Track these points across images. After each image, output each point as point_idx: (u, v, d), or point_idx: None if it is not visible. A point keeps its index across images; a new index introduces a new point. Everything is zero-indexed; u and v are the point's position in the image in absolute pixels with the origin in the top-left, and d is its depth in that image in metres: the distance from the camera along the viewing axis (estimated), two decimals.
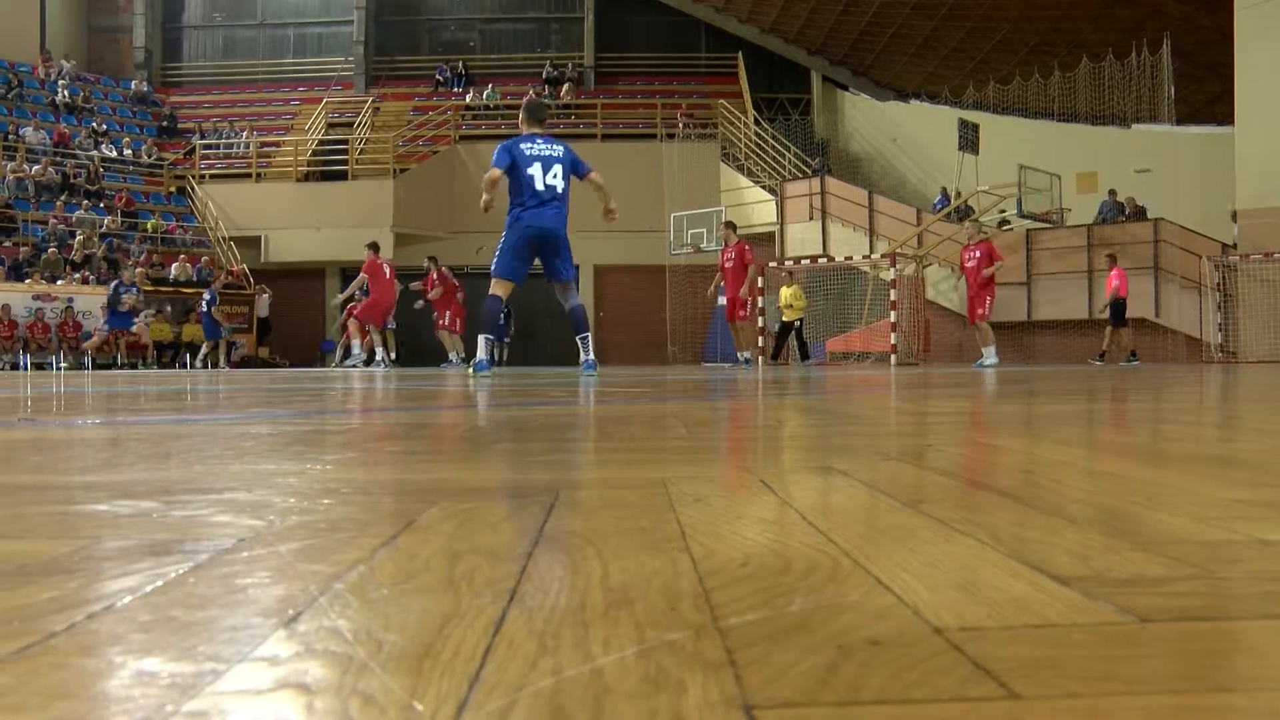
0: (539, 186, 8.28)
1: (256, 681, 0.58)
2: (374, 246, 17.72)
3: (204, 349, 21.77)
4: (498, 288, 8.54)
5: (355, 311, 17.66)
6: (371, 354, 17.95)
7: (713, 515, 1.16)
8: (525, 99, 9.66)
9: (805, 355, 19.32)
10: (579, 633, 0.66)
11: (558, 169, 8.36)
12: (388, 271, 17.64)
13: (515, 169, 8.30)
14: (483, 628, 0.68)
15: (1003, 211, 21.46)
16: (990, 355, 15.76)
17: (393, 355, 18.75)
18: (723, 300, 17.27)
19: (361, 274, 17.55)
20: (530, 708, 0.53)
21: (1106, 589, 0.78)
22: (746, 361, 16.70)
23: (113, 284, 20.42)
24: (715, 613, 0.71)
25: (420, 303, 19.52)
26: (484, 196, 8.44)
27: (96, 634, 0.68)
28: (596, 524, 1.09)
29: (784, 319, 19.02)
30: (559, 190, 8.38)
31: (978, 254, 15.97)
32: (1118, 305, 17.47)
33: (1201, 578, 0.83)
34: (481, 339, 8.52)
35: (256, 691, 0.56)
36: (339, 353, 19.35)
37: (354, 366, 17.06)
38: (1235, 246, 19.60)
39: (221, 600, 0.77)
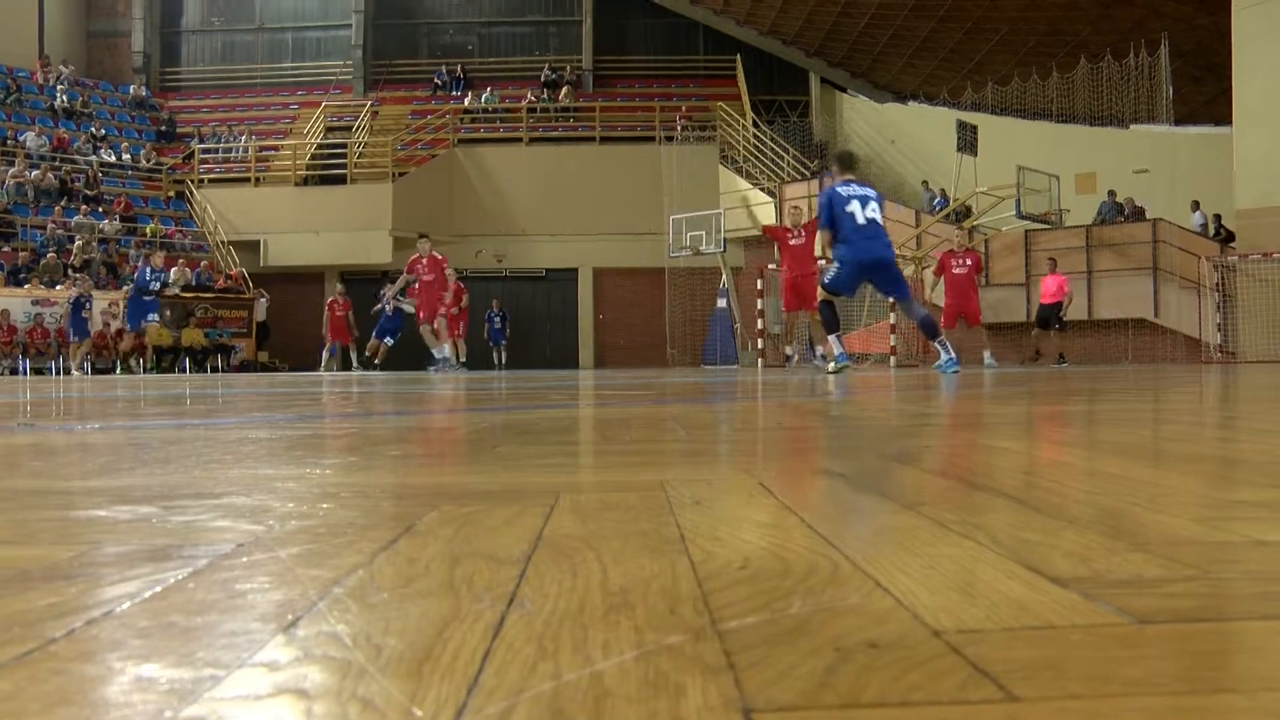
0: (860, 221, 9.24)
1: (255, 687, 0.58)
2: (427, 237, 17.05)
3: (76, 350, 20.27)
4: (822, 296, 9.92)
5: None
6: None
7: (712, 518, 1.16)
8: (836, 151, 11.44)
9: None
10: (578, 636, 0.66)
11: (874, 204, 9.39)
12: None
13: (836, 212, 9.32)
14: (482, 631, 0.68)
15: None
16: (990, 356, 15.83)
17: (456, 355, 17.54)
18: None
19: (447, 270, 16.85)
20: (530, 711, 0.53)
21: (1105, 590, 0.78)
22: (822, 358, 15.44)
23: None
24: (714, 616, 0.71)
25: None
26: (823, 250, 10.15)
27: (96, 640, 0.68)
28: (596, 527, 1.09)
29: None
30: (878, 221, 9.38)
31: (968, 262, 16.00)
32: (1056, 308, 17.73)
33: (1200, 578, 0.83)
34: (832, 338, 10.02)
35: (255, 697, 0.56)
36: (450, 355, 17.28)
37: (448, 369, 16.27)
38: (1200, 232, 19.92)
39: (221, 606, 0.77)
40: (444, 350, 16.66)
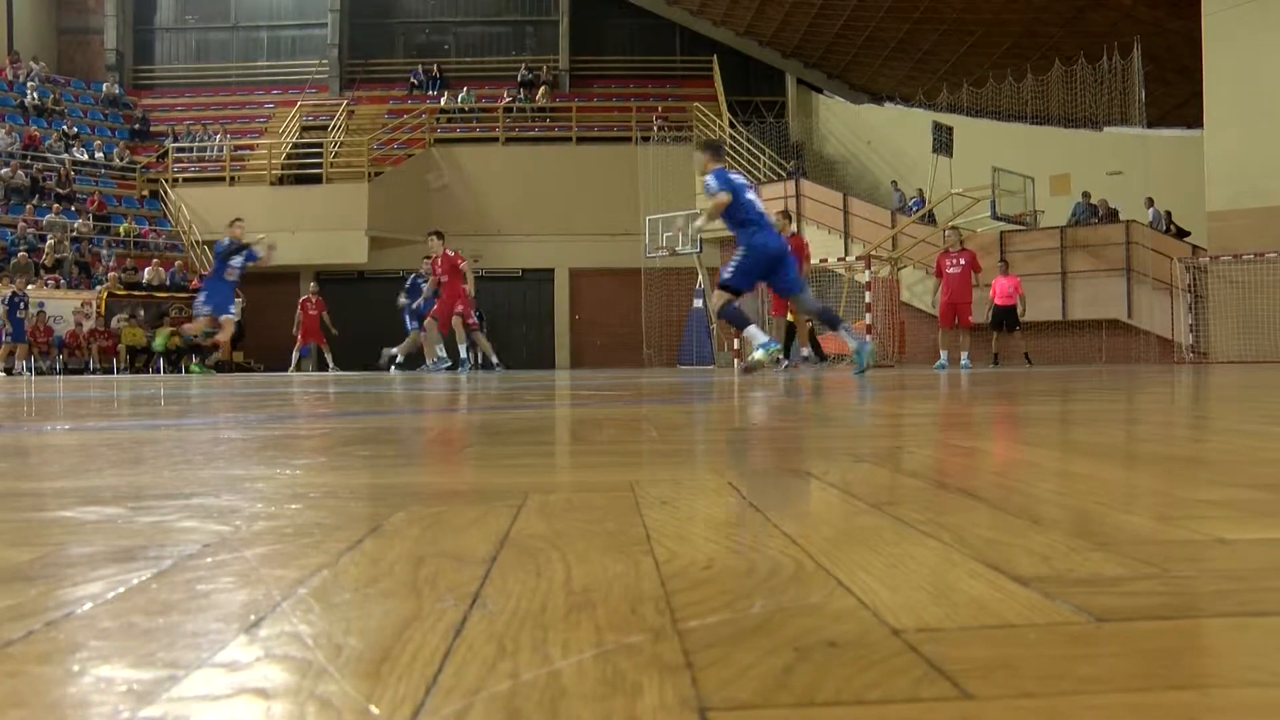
0: (760, 209, 8.53)
1: (215, 687, 0.58)
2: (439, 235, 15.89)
3: (13, 350, 20.24)
4: (724, 297, 8.65)
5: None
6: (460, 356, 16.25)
7: (679, 518, 1.16)
8: (701, 138, 9.93)
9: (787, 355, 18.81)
10: (539, 636, 0.66)
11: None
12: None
13: (736, 197, 8.39)
14: (443, 632, 0.68)
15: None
16: (965, 358, 15.89)
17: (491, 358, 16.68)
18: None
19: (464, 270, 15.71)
20: (486, 711, 0.53)
21: (1065, 589, 0.79)
22: (805, 358, 15.09)
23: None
24: (675, 615, 0.71)
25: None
26: (703, 220, 8.85)
27: (55, 641, 0.68)
28: (562, 527, 1.09)
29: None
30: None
31: (963, 261, 16.04)
32: (1011, 310, 17.81)
33: (1159, 577, 0.83)
34: (750, 329, 8.66)
35: (214, 697, 0.56)
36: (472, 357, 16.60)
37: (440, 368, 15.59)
38: (1153, 224, 20.30)
39: (184, 606, 0.77)
40: (438, 352, 15.93)
